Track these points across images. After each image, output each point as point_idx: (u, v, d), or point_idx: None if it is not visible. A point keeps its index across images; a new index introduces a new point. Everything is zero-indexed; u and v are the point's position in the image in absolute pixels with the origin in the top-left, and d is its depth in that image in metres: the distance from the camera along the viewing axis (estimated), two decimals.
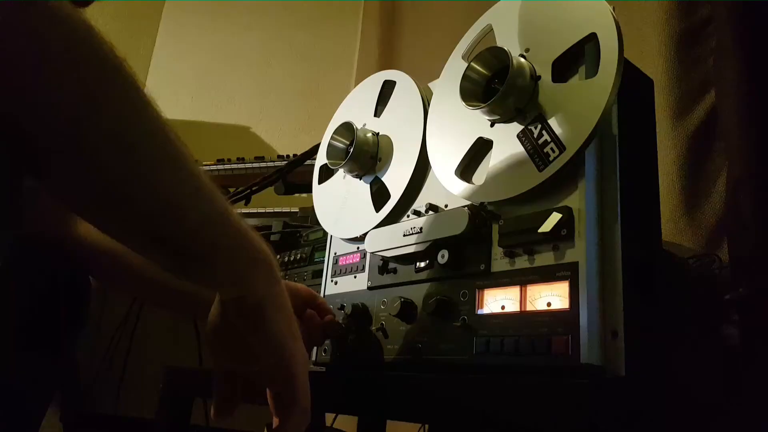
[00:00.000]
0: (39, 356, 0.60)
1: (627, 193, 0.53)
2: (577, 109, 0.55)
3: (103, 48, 0.39)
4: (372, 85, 0.86)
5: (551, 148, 0.55)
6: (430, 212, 0.67)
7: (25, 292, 0.58)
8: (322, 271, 0.83)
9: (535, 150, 0.57)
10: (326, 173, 0.88)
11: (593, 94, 0.54)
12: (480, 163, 0.64)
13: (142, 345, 1.69)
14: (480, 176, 0.63)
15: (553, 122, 0.56)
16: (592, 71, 0.55)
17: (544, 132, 0.56)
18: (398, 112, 0.79)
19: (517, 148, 0.58)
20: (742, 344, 0.75)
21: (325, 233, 0.85)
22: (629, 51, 0.53)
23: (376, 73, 0.87)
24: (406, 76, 0.79)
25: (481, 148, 0.64)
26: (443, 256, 0.61)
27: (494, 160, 0.61)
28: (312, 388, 0.51)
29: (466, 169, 0.65)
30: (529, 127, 0.58)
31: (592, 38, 0.56)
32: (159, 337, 1.71)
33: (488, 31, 0.68)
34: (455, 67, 0.70)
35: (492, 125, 0.62)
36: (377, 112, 0.83)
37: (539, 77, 0.59)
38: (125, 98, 0.40)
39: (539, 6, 0.62)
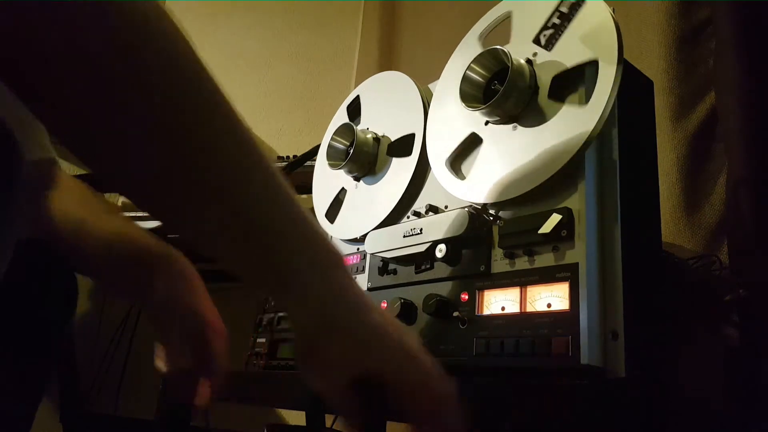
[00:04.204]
0: (24, 353, 0.59)
1: (627, 193, 0.53)
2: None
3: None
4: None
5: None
6: (431, 213, 0.67)
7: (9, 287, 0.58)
8: None
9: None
10: None
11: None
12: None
13: (141, 346, 1.69)
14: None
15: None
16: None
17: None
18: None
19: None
20: (742, 345, 0.75)
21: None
22: (629, 52, 0.53)
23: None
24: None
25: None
26: (441, 251, 0.61)
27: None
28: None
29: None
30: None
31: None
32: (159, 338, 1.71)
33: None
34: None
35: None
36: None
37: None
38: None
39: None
